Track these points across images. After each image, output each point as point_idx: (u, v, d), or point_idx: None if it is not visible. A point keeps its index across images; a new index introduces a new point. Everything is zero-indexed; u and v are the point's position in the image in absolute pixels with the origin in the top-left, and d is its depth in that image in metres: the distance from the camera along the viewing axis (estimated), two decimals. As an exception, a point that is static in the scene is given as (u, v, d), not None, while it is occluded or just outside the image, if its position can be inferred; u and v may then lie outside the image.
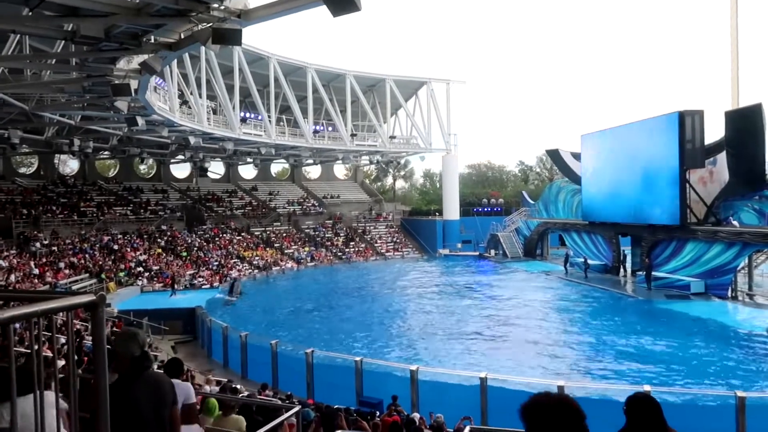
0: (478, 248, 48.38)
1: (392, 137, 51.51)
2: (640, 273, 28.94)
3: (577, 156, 36.95)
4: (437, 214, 53.43)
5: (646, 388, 10.48)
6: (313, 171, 62.44)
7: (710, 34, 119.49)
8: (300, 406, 5.79)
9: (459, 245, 49.72)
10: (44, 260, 28.81)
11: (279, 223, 48.41)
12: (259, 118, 41.32)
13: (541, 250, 44.53)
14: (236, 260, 38.78)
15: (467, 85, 63.86)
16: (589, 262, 34.35)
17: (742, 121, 24.03)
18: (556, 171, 52.25)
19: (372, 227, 52.53)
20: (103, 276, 29.11)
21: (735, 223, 25.05)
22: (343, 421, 7.43)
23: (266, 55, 39.86)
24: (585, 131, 35.48)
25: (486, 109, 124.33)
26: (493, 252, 46.58)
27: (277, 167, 61.81)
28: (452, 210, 51.89)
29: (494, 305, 26.46)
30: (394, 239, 51.50)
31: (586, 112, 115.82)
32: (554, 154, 40.35)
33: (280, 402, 8.88)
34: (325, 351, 15.84)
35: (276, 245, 44.33)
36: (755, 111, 23.54)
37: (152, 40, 13.25)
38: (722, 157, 25.49)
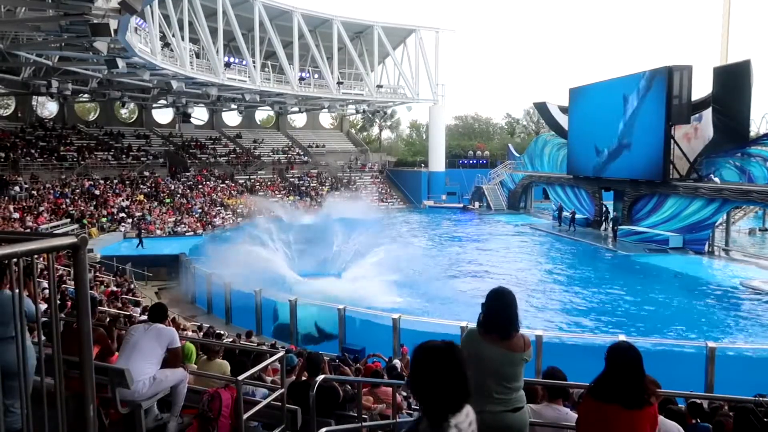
0: (463, 200, 48.58)
1: (379, 86, 50.74)
2: (622, 227, 29.38)
3: (564, 110, 36.77)
4: (423, 165, 53.30)
5: (621, 337, 10.80)
6: (299, 119, 61.62)
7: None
8: (284, 352, 5.88)
9: (444, 197, 49.85)
10: (24, 204, 28.43)
11: (263, 172, 48.01)
12: (244, 63, 40.41)
13: (525, 203, 44.86)
14: (219, 208, 38.61)
15: (456, 34, 62.63)
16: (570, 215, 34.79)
17: (730, 77, 23.94)
18: (543, 124, 52.15)
19: (357, 177, 52.35)
20: (85, 221, 28.85)
21: (716, 179, 25.34)
22: (326, 367, 7.58)
23: (251, -3, 38.66)
24: (573, 85, 35.23)
25: (474, 60, 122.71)
26: (477, 204, 46.83)
27: (261, 114, 60.86)
28: (438, 161, 51.74)
29: (475, 256, 26.77)
30: (380, 190, 51.46)
31: (575, 65, 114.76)
32: (542, 108, 40.10)
33: (264, 348, 9.00)
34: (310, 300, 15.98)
35: (260, 194, 44.12)
36: (743, 68, 23.46)
37: (132, -22, 12.76)
38: (708, 114, 25.50)
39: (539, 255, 27.92)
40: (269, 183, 46.60)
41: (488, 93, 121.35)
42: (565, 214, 35.46)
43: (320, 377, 5.36)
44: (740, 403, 4.99)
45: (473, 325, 3.49)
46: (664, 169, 26.66)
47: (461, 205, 47.77)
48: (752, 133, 25.52)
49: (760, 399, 4.37)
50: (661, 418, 3.54)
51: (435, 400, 1.96)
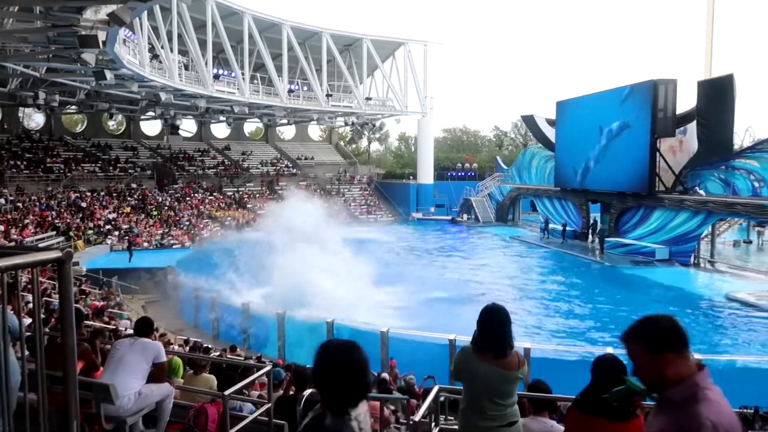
0: (451, 212, 48.70)
1: (368, 99, 50.96)
2: (609, 239, 29.57)
3: (551, 122, 37.08)
4: (411, 177, 53.43)
5: (609, 350, 10.83)
6: (288, 131, 61.64)
7: (687, 4, 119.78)
8: (271, 366, 5.85)
9: (432, 209, 49.98)
10: (9, 217, 28.13)
11: (252, 184, 47.90)
12: (233, 75, 40.43)
13: (513, 216, 45.05)
14: (207, 220, 38.43)
15: (445, 47, 63.21)
16: (558, 227, 35.00)
17: (714, 91, 24.28)
18: (531, 137, 52.51)
19: (346, 189, 52.36)
20: (71, 234, 28.58)
21: (701, 192, 25.61)
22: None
23: (240, 10, 38.78)
24: (561, 98, 35.61)
25: (463, 73, 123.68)
26: (465, 216, 46.95)
27: (250, 126, 60.86)
28: (426, 174, 51.90)
29: (463, 268, 26.82)
30: (368, 202, 51.48)
31: (562, 79, 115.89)
32: (529, 120, 40.42)
33: (251, 362, 8.94)
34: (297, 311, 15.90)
35: (249, 206, 43.99)
36: (727, 81, 23.80)
37: (120, -10, 12.77)
38: (692, 127, 25.83)
39: (527, 267, 28.01)
40: (258, 195, 46.49)
41: (476, 106, 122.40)
42: (553, 226, 35.68)
43: (308, 391, 5.33)
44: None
45: (461, 337, 3.50)
46: (650, 181, 26.92)
47: (450, 218, 47.88)
48: (736, 146, 25.87)
49: (744, 411, 4.40)
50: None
51: (336, 395, 2.11)
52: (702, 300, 20.06)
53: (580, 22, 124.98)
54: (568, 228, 34.00)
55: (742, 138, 27.30)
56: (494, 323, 3.28)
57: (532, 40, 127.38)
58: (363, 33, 48.21)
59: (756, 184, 23.18)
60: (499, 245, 34.88)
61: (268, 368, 5.38)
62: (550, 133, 37.41)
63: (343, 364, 2.14)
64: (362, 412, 2.15)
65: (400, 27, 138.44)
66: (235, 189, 45.88)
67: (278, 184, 49.29)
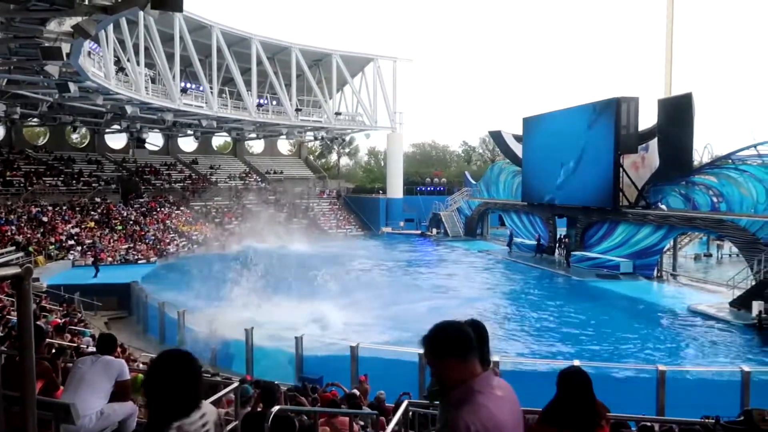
0: (421, 227, 48.92)
1: (338, 114, 51.05)
2: (575, 253, 30.07)
3: (518, 138, 37.68)
4: (381, 192, 53.55)
5: (576, 363, 10.96)
6: (257, 145, 61.31)
7: (647, 24, 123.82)
8: (239, 382, 5.76)
9: (402, 223, 50.12)
10: (-34, 232, 27.23)
11: (220, 198, 47.37)
12: (201, 89, 40.11)
13: (482, 230, 45.47)
14: (174, 235, 37.80)
15: (414, 63, 63.71)
16: (527, 242, 35.47)
17: (674, 109, 25.02)
18: (498, 152, 53.21)
19: (315, 204, 52.18)
20: (31, 249, 27.76)
21: (663, 207, 26.27)
22: (282, 397, 7.44)
23: (209, 23, 38.57)
24: (527, 114, 36.25)
25: (432, 89, 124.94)
26: (434, 231, 47.21)
27: (218, 140, 60.27)
28: (396, 188, 52.09)
29: (431, 282, 26.91)
30: (337, 216, 51.37)
31: (529, 95, 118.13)
32: (497, 136, 41.01)
33: (218, 378, 8.79)
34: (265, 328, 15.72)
35: (216, 220, 43.45)
36: (686, 100, 24.54)
37: (86, 2, 12.59)
38: (654, 144, 26.54)
39: (495, 280, 28.24)
40: (226, 209, 45.97)
41: (445, 121, 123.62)
42: (521, 240, 36.21)
43: (275, 408, 5.26)
44: (689, 425, 5.13)
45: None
46: (614, 196, 27.50)
47: (419, 232, 48.08)
48: (695, 163, 26.63)
49: (706, 421, 4.50)
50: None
51: (161, 405, 2.13)
52: (665, 312, 20.50)
53: (545, 41, 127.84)
54: (534, 242, 34.48)
55: (701, 154, 28.11)
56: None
57: (499, 57, 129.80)
58: (332, 48, 48.41)
59: (715, 200, 23.88)
60: (466, 259, 35.12)
61: (235, 385, 5.30)
62: (517, 148, 38.00)
63: (176, 375, 2.14)
64: (195, 421, 2.15)
65: (370, 43, 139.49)
66: (203, 203, 45.30)
67: (247, 198, 48.88)
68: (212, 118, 40.98)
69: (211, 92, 39.85)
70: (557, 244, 34.02)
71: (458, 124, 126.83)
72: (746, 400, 9.96)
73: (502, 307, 21.96)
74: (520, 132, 37.15)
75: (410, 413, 5.60)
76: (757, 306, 17.95)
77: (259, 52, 42.10)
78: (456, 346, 2.15)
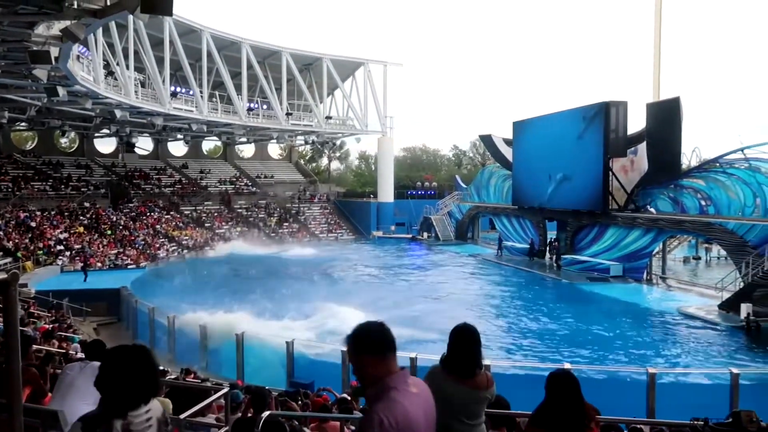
0: (411, 231, 48.95)
1: (328, 118, 51.05)
2: (565, 256, 30.21)
3: (509, 142, 37.82)
4: (372, 196, 53.53)
5: (567, 365, 11.00)
6: (247, 150, 61.13)
7: (636, 28, 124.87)
8: (229, 388, 5.74)
9: (392, 227, 50.12)
10: (-47, 237, 26.94)
11: (210, 202, 47.18)
12: (191, 93, 39.98)
13: (472, 234, 45.54)
14: (164, 240, 37.60)
15: (404, 67, 63.98)
16: (517, 245, 35.59)
17: (662, 113, 25.22)
18: (489, 156, 53.39)
19: (306, 208, 52.10)
20: (19, 254, 27.52)
21: (652, 210, 26.44)
22: (273, 402, 7.41)
23: (199, 27, 38.49)
24: (517, 118, 36.42)
25: (422, 93, 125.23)
26: (425, 234, 47.24)
27: (209, 144, 60.08)
28: (387, 192, 52.09)
29: (423, 286, 26.92)
30: (328, 220, 51.31)
31: (519, 99, 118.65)
32: (487, 140, 41.14)
33: (209, 384, 8.74)
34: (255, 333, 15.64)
35: (207, 225, 43.27)
36: (674, 104, 24.73)
37: (75, 5, 12.52)
38: (642, 147, 26.74)
39: (485, 284, 28.28)
40: (216, 214, 45.79)
41: (436, 125, 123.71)
42: (512, 243, 36.36)
43: (266, 413, 5.24)
44: (679, 427, 5.16)
45: (423, 356, 3.50)
46: (603, 200, 27.65)
47: (410, 236, 48.09)
48: (683, 166, 26.85)
49: (696, 423, 4.53)
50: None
51: (111, 396, 2.15)
52: (655, 315, 20.63)
53: (535, 46, 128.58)
54: (524, 245, 34.59)
55: (689, 158, 28.37)
56: (464, 343, 3.27)
57: (489, 61, 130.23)
58: (323, 52, 48.44)
59: (703, 203, 24.06)
60: (457, 262, 35.17)
61: (225, 390, 5.28)
62: (507, 152, 38.13)
63: (128, 368, 2.17)
64: (140, 414, 2.17)
65: (360, 47, 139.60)
66: (193, 208, 45.10)
67: (237, 203, 48.72)
68: (202, 123, 40.87)
69: (201, 96, 39.74)
70: (548, 248, 34.15)
71: (449, 128, 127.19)
72: (735, 401, 10.03)
73: (492, 311, 22.00)
74: (510, 136, 37.30)
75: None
76: (745, 308, 18.10)
77: (250, 56, 42.04)
78: (373, 345, 2.25)
